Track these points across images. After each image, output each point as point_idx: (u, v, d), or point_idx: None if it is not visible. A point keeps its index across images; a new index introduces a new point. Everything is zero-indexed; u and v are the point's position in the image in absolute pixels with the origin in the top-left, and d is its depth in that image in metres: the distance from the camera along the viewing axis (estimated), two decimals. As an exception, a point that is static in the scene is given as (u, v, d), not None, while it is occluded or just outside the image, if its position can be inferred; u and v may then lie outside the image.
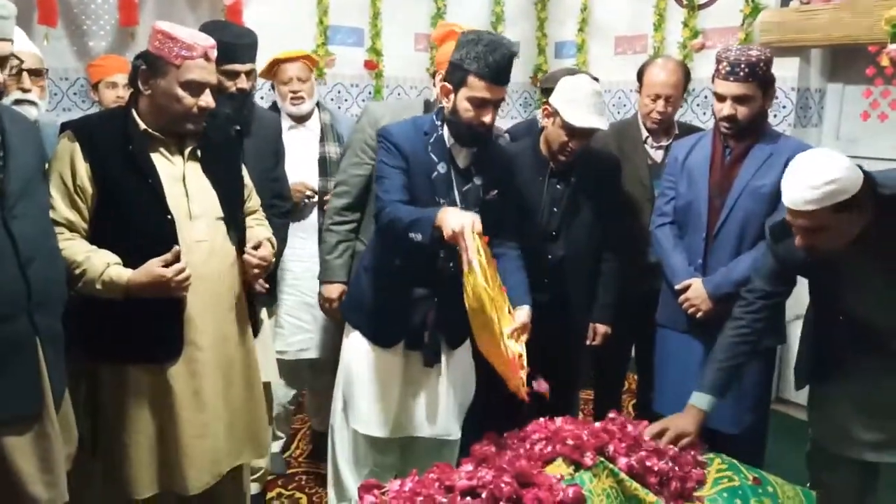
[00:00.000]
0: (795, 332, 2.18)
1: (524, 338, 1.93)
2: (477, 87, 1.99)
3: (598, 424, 1.79)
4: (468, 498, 1.51)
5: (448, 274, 2.08)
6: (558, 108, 2.34)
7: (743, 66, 2.18)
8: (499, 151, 2.27)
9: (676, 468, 1.72)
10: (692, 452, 1.83)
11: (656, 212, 2.53)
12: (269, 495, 2.82)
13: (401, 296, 2.16)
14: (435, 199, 2.07)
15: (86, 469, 1.92)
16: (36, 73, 2.29)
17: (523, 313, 1.97)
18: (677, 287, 2.39)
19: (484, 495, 1.51)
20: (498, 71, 1.99)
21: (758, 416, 2.39)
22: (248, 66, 2.45)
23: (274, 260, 2.13)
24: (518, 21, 4.76)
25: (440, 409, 2.24)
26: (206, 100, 1.89)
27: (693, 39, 3.89)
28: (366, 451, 2.30)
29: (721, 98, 2.25)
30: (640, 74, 2.75)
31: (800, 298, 2.11)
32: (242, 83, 2.44)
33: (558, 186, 2.47)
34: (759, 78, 2.20)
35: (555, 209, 2.47)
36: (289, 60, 2.92)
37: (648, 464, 1.69)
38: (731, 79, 2.20)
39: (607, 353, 2.84)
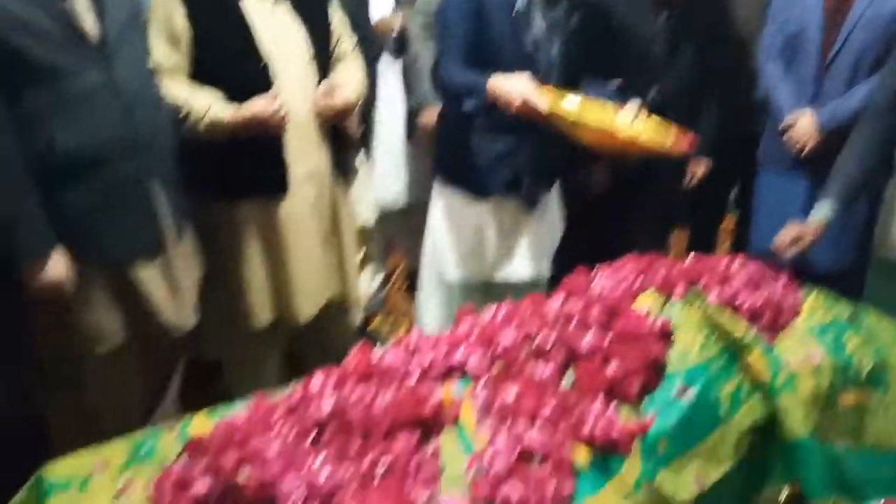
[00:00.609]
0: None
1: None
2: None
3: (690, 259, 1.80)
4: (559, 325, 1.58)
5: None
6: None
7: None
8: None
9: (770, 302, 1.73)
10: (788, 286, 1.82)
11: (764, 42, 2.37)
12: (371, 327, 3.02)
13: (494, 144, 2.16)
14: (519, 38, 1.99)
15: (208, 299, 2.12)
16: None
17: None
18: (785, 123, 2.28)
19: (574, 323, 1.58)
20: None
21: (859, 254, 2.33)
22: None
23: (354, 103, 2.13)
24: None
25: (534, 251, 2.28)
26: None
27: None
28: (451, 298, 2.37)
29: None
30: None
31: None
32: None
33: (664, 15, 2.31)
34: None
35: (658, 40, 2.33)
36: None
37: (741, 298, 1.70)
38: None
39: (705, 194, 2.79)
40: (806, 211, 2.27)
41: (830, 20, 2.17)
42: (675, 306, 1.63)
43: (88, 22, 1.67)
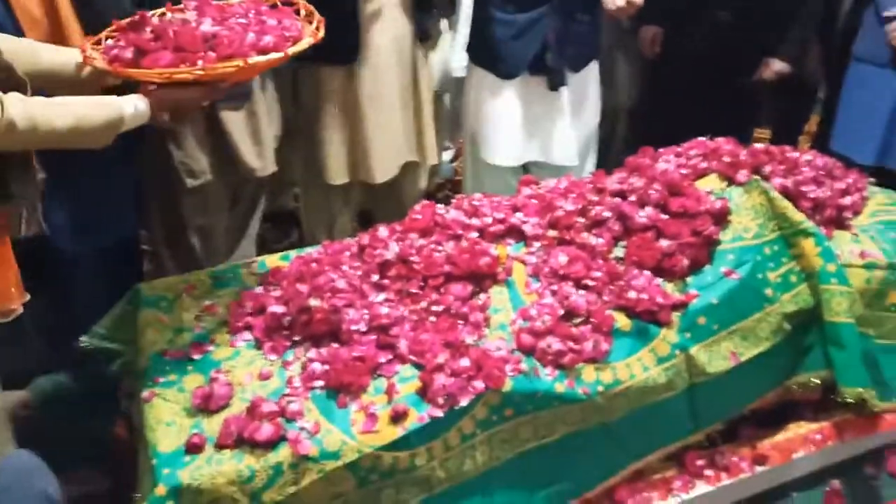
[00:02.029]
0: None
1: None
2: None
3: (759, 146, 1.79)
4: (617, 199, 1.63)
5: None
6: None
7: None
8: None
9: (834, 196, 1.72)
10: (857, 183, 1.81)
11: None
12: (439, 195, 3.12)
13: (521, 18, 2.10)
14: None
15: (289, 153, 2.25)
16: None
17: None
18: (887, 13, 2.16)
19: (633, 199, 1.62)
20: None
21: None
22: None
23: None
24: None
25: (563, 134, 2.25)
26: None
27: None
28: (492, 180, 2.36)
29: None
30: None
31: None
32: None
33: None
34: None
35: None
36: None
37: (804, 189, 1.70)
38: None
39: (792, 88, 2.70)
40: (892, 110, 2.20)
41: None
42: (737, 190, 1.64)
43: None
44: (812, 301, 1.56)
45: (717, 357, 1.50)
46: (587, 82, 2.29)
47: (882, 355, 1.63)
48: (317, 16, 1.48)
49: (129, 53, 1.32)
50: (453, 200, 1.74)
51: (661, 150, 1.81)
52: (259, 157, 2.07)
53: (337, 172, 2.23)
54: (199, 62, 1.29)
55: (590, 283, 1.50)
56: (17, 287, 1.34)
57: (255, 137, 2.03)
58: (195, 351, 1.41)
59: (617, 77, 2.75)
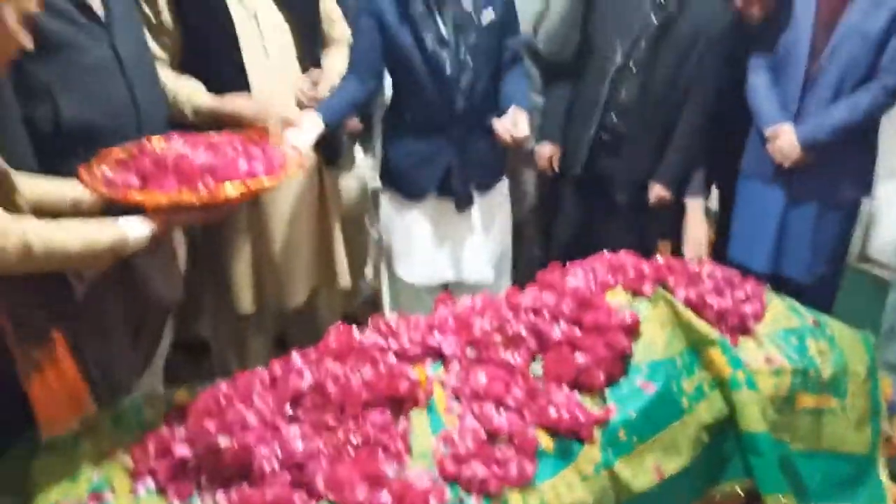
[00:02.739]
0: (886, 190, 2.14)
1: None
2: None
3: (660, 260, 1.87)
4: (531, 315, 1.65)
5: (465, 117, 2.11)
6: None
7: None
8: None
9: (736, 305, 1.80)
10: (755, 292, 1.89)
11: (753, 53, 2.37)
12: (360, 316, 3.06)
13: (423, 146, 2.20)
14: (421, 39, 2.06)
15: (196, 280, 2.18)
16: None
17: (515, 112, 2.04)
18: (767, 133, 2.32)
19: (546, 315, 1.65)
20: None
21: (831, 268, 2.40)
22: None
23: None
24: None
25: (475, 253, 2.31)
26: None
27: None
28: (409, 298, 2.40)
29: None
30: None
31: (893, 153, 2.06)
32: None
33: (659, 3, 2.27)
34: None
35: (643, 34, 2.29)
36: None
37: (708, 299, 1.76)
38: None
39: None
40: (781, 222, 2.36)
41: (820, 33, 2.20)
42: (644, 303, 1.70)
43: (95, 1, 1.74)
44: (726, 410, 1.59)
45: (641, 472, 1.49)
46: (496, 200, 2.36)
47: (799, 460, 1.66)
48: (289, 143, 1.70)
49: (133, 180, 1.45)
50: (370, 321, 1.72)
51: (568, 264, 1.86)
52: (165, 284, 1.99)
53: (246, 299, 2.18)
54: (201, 187, 1.42)
55: (510, 402, 1.48)
56: None
57: (162, 265, 1.96)
58: (93, 501, 1.30)
59: (525, 190, 2.84)
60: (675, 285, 1.75)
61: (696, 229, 2.49)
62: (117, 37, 1.76)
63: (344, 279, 2.34)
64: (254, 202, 2.10)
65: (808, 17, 2.23)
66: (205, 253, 2.19)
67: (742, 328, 1.76)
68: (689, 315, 1.67)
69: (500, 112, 2.12)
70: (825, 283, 2.40)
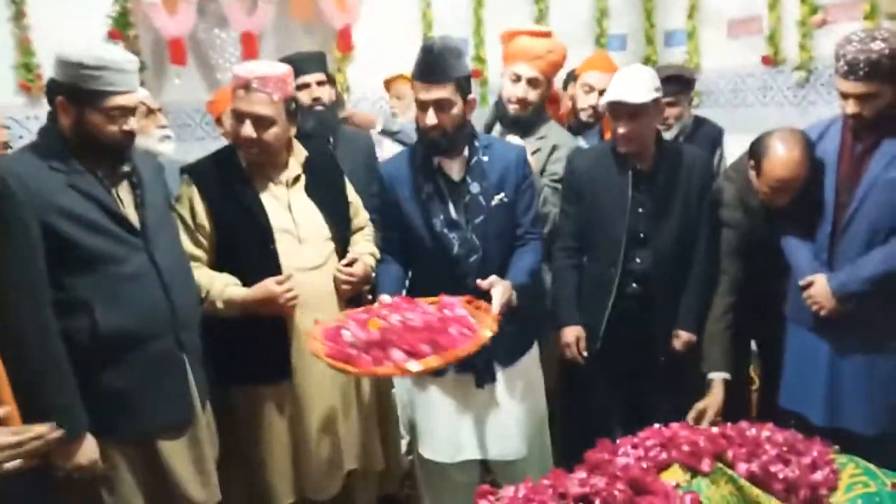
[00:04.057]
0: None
1: (489, 319, 1.89)
2: (417, 89, 2.03)
3: (715, 430, 1.74)
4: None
5: (479, 293, 2.05)
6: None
7: (862, 64, 2.01)
8: (502, 151, 2.20)
9: (804, 474, 1.65)
10: (822, 455, 1.75)
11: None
12: (401, 494, 2.91)
13: None
14: (430, 219, 2.10)
15: (228, 475, 2.09)
16: (161, 111, 2.58)
17: (493, 281, 2.01)
18: (801, 283, 2.26)
19: (598, 502, 1.51)
20: (422, 68, 2.00)
21: (896, 419, 2.23)
22: (315, 76, 2.66)
23: (373, 274, 2.21)
24: (624, 13, 4.68)
25: (502, 429, 2.21)
26: (246, 130, 2.00)
27: (812, 16, 3.67)
28: (438, 477, 2.30)
29: (844, 95, 2.10)
30: (756, 152, 2.27)
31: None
32: (315, 92, 2.64)
33: (643, 186, 2.37)
34: (883, 74, 2.02)
35: (640, 210, 2.37)
36: (389, 81, 3.33)
37: (773, 469, 1.63)
38: (851, 78, 2.04)
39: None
40: (830, 372, 2.23)
41: (844, 184, 2.18)
42: (703, 481, 1.56)
43: (131, 212, 1.81)
44: None
45: None
46: (523, 370, 2.28)
47: None
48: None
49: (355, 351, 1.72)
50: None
51: (618, 441, 1.74)
52: (204, 487, 1.91)
53: (282, 494, 2.08)
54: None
55: None
56: None
57: (197, 465, 1.90)
58: None
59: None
60: (734, 458, 1.61)
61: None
62: (154, 244, 1.82)
63: (378, 462, 2.25)
64: (283, 392, 2.07)
65: (831, 170, 2.22)
66: (237, 449, 2.11)
67: (816, 501, 1.61)
68: (754, 491, 1.52)
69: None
70: (892, 433, 2.22)
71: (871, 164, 2.15)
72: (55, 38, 1.73)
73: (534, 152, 2.60)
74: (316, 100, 2.64)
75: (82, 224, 1.71)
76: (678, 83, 2.89)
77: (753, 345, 2.81)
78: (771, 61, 3.93)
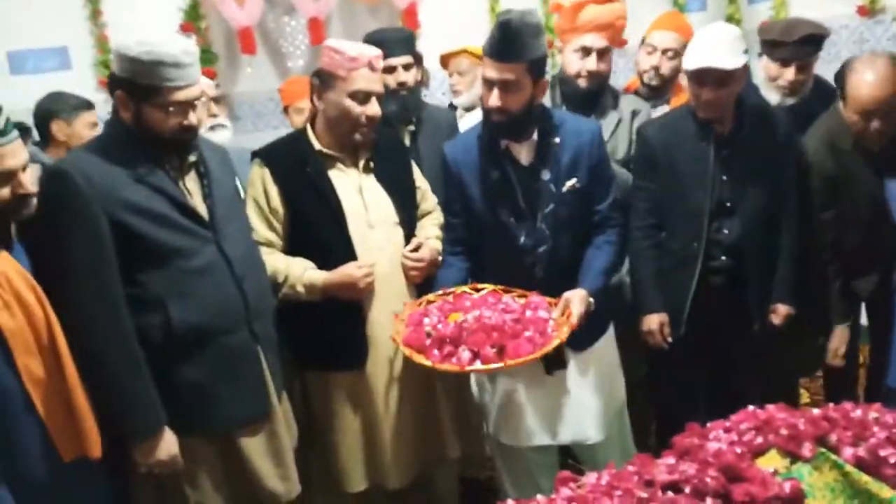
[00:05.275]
0: None
1: (565, 328, 1.86)
2: (486, 65, 1.91)
3: (816, 411, 1.61)
4: (670, 493, 1.43)
5: (547, 284, 1.99)
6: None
7: None
8: (575, 131, 2.05)
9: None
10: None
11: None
12: (482, 477, 2.87)
13: None
14: (494, 208, 2.00)
15: (308, 460, 2.10)
16: (217, 100, 2.57)
17: (568, 297, 1.91)
18: None
19: (688, 490, 1.42)
20: (494, 44, 1.86)
21: None
22: (403, 59, 2.51)
23: (440, 258, 2.15)
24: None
25: (576, 414, 2.12)
26: (374, 109, 1.97)
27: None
28: (516, 460, 2.24)
29: None
30: (841, 80, 2.24)
31: None
32: (401, 77, 2.51)
33: (725, 152, 2.21)
34: None
35: (724, 177, 2.21)
36: (449, 56, 3.14)
37: (883, 453, 1.49)
38: None
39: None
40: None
41: None
42: (805, 467, 1.44)
43: (199, 205, 1.80)
44: None
45: None
46: (598, 354, 2.17)
47: None
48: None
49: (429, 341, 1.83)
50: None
51: (708, 425, 1.64)
52: (283, 480, 1.91)
53: (355, 479, 2.09)
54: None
55: None
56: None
57: (276, 459, 1.90)
58: None
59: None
60: (838, 441, 1.48)
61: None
62: (223, 235, 1.81)
63: (454, 450, 2.22)
64: (359, 379, 2.06)
65: None
66: (311, 436, 2.11)
67: (933, 487, 1.46)
68: (862, 478, 1.39)
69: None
70: None
71: None
72: (130, 34, 1.71)
73: (615, 129, 2.48)
74: (402, 84, 2.53)
75: (151, 218, 1.70)
76: (815, 43, 2.51)
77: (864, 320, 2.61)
78: (867, 11, 3.65)
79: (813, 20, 2.57)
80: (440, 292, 2.04)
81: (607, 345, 2.21)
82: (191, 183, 1.83)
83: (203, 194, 1.83)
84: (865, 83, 2.13)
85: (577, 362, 2.12)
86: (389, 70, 2.49)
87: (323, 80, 2.00)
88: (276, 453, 1.90)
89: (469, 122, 2.96)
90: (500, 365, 1.78)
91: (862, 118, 2.16)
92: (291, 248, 2.05)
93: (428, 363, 1.81)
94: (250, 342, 1.86)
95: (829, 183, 2.32)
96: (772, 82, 2.50)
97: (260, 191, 2.02)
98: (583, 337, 2.06)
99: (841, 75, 2.23)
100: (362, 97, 1.96)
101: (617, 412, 2.24)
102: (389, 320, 2.00)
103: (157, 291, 1.71)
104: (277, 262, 2.00)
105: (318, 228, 2.02)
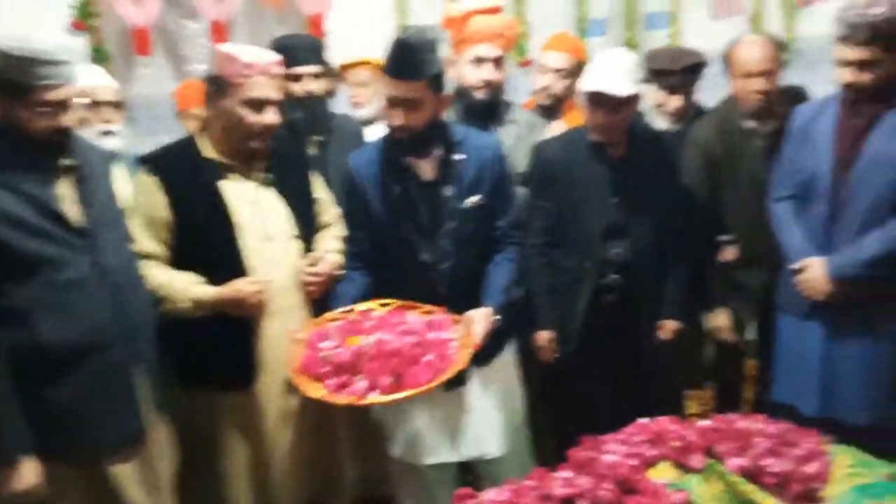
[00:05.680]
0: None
1: (467, 350, 1.85)
2: (387, 84, 1.90)
3: (705, 423, 1.68)
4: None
5: (450, 301, 1.98)
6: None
7: (862, 27, 1.96)
8: (478, 147, 2.06)
9: (796, 467, 1.59)
10: (815, 447, 1.69)
11: (774, 184, 2.31)
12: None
13: None
14: (397, 224, 1.99)
15: (188, 490, 1.99)
16: (115, 105, 2.42)
17: (470, 316, 1.91)
18: (794, 267, 2.19)
19: (583, 502, 1.45)
20: (393, 63, 1.86)
21: (893, 405, 2.16)
22: (310, 69, 2.45)
23: (339, 272, 2.09)
24: (604, -3, 4.59)
25: (475, 430, 2.12)
26: (270, 118, 1.90)
27: (797, -5, 3.62)
28: (416, 475, 2.21)
29: (842, 63, 2.04)
30: (727, 56, 2.48)
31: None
32: (308, 85, 2.44)
33: (617, 175, 2.27)
34: (883, 39, 1.96)
35: (616, 199, 2.28)
36: (348, 67, 3.06)
37: (764, 463, 1.56)
38: (850, 42, 1.99)
39: (723, 344, 2.69)
40: (824, 361, 2.17)
41: (842, 162, 2.11)
42: (694, 478, 1.49)
43: (73, 212, 1.69)
44: None
45: None
46: (499, 370, 2.18)
47: None
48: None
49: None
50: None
51: (603, 437, 1.67)
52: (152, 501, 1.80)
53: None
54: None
55: None
56: None
57: (149, 486, 1.78)
58: None
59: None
60: (725, 452, 1.55)
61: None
62: (100, 245, 1.70)
63: (350, 472, 2.17)
64: (249, 400, 1.97)
65: (827, 148, 2.15)
66: (195, 460, 2.00)
67: (809, 495, 1.55)
68: (746, 487, 1.46)
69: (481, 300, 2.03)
70: (890, 421, 2.16)
71: (873, 138, 2.07)
72: (16, 31, 1.59)
73: (514, 143, 2.51)
74: (309, 93, 2.45)
75: (16, 225, 1.58)
76: (699, 71, 2.67)
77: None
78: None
79: (694, 49, 2.72)
80: (342, 310, 1.99)
81: (508, 359, 2.23)
82: (65, 188, 1.70)
83: (80, 201, 1.71)
84: (745, 46, 2.41)
85: (479, 377, 2.11)
86: (296, 78, 2.43)
87: (216, 87, 1.91)
88: (150, 480, 1.78)
89: (370, 135, 2.94)
90: (398, 396, 1.73)
91: (746, 79, 2.38)
92: (179, 262, 1.94)
93: (320, 395, 1.75)
94: (124, 361, 1.74)
95: (715, 164, 2.46)
96: (658, 108, 2.61)
97: (145, 199, 1.91)
98: (484, 352, 2.06)
99: (727, 54, 2.46)
100: (257, 105, 1.89)
101: (517, 426, 2.26)
102: (284, 338, 1.92)
103: (25, 305, 1.59)
104: (161, 276, 1.89)
105: (208, 241, 1.93)
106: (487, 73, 2.46)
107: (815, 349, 2.18)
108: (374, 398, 1.75)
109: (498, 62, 2.48)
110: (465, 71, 2.50)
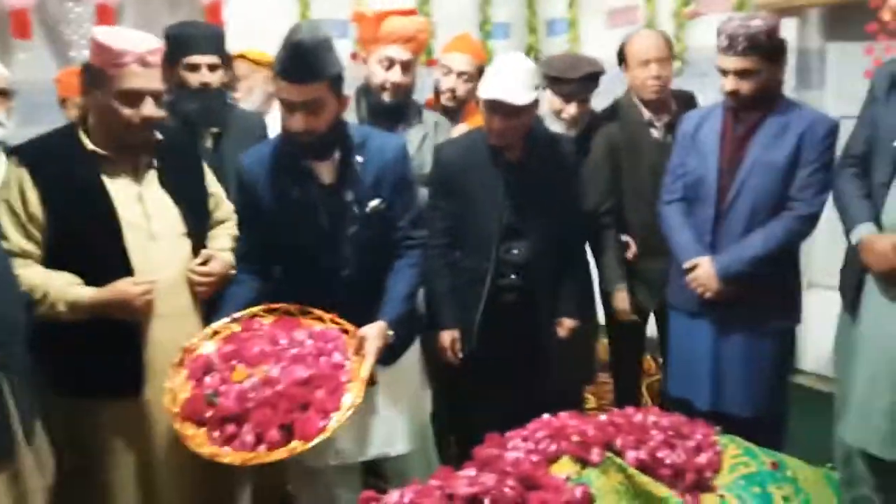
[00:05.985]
0: (810, 306, 2.08)
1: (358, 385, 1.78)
2: (283, 88, 1.80)
3: (604, 417, 1.72)
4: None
5: (350, 307, 1.92)
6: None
7: (741, 38, 2.06)
8: (379, 148, 2.00)
9: (690, 458, 1.65)
10: (706, 438, 1.76)
11: (664, 188, 2.40)
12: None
13: None
14: (295, 229, 1.92)
15: (69, 500, 1.85)
16: (5, 93, 2.24)
17: (364, 331, 1.86)
18: (685, 266, 2.28)
19: (487, 502, 1.44)
20: (290, 66, 1.76)
21: (775, 398, 2.29)
22: (208, 59, 2.33)
23: (232, 272, 1.98)
24: (507, 2, 4.65)
25: (381, 427, 2.07)
26: (148, 110, 1.76)
27: (685, 7, 3.77)
28: (317, 480, 2.13)
29: (723, 72, 2.14)
30: (623, 51, 2.61)
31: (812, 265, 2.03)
32: (205, 77, 2.32)
33: (514, 178, 2.29)
34: (761, 50, 2.08)
35: (513, 201, 2.29)
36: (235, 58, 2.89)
37: (660, 455, 1.62)
38: (731, 53, 2.10)
39: (621, 339, 2.78)
40: (713, 356, 2.27)
41: (727, 167, 2.22)
42: (593, 472, 1.52)
43: None
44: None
45: None
46: (404, 370, 2.13)
47: None
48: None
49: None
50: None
51: (506, 434, 1.68)
52: None
53: None
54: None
55: None
56: None
57: (17, 501, 1.63)
58: None
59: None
60: (623, 446, 1.59)
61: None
62: None
63: (244, 483, 2.09)
64: (134, 408, 1.85)
65: (713, 153, 2.25)
66: (77, 473, 1.85)
67: (701, 484, 1.61)
68: (643, 479, 1.50)
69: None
70: (771, 414, 2.29)
71: (752, 145, 2.19)
72: None
73: (421, 144, 2.49)
74: (205, 85, 2.32)
75: None
76: (595, 79, 2.68)
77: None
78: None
79: (591, 57, 2.79)
80: (227, 320, 1.87)
81: (412, 359, 2.20)
82: None
83: None
84: (639, 37, 2.60)
85: (384, 377, 2.07)
86: (193, 68, 2.31)
87: (90, 77, 1.76)
88: (21, 498, 1.62)
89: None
90: (291, 448, 1.65)
91: (641, 67, 2.52)
92: (56, 262, 1.78)
93: (208, 452, 1.64)
94: None
95: (617, 154, 2.57)
96: (555, 114, 2.67)
97: (16, 194, 1.74)
98: (389, 352, 2.00)
99: (622, 47, 2.62)
100: (133, 97, 1.74)
101: (423, 424, 2.24)
102: (173, 342, 1.81)
103: None
104: (34, 277, 1.74)
105: (87, 240, 1.78)
106: (396, 75, 2.43)
107: (704, 345, 2.27)
108: (263, 454, 1.64)
109: (407, 66, 2.46)
110: (373, 70, 2.46)
